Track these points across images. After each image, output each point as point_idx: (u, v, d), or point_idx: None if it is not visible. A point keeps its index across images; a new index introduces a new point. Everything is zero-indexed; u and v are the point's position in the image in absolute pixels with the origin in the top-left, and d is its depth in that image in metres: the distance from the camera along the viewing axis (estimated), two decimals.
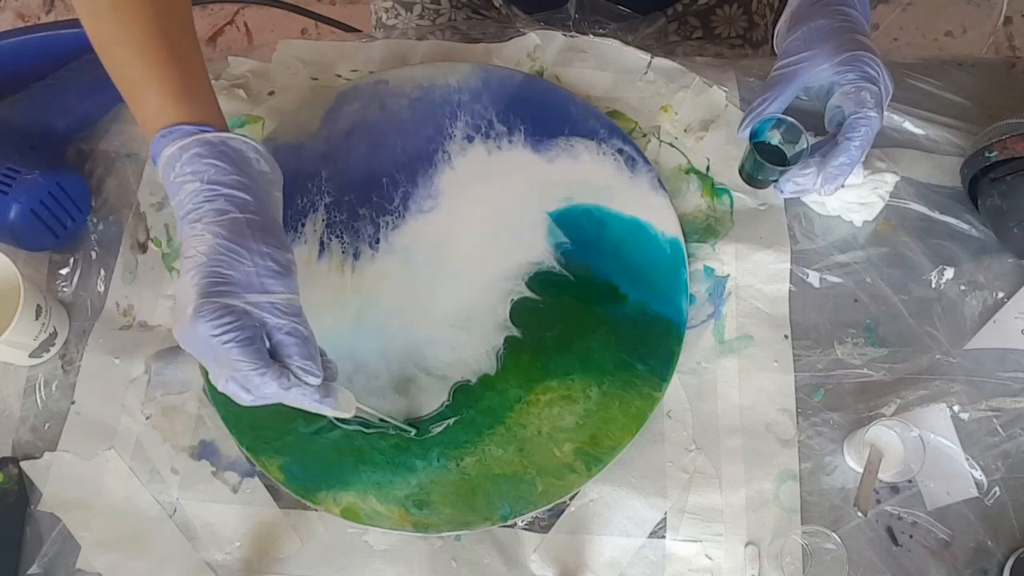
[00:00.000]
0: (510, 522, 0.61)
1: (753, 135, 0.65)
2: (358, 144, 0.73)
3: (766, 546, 0.60)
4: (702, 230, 0.70)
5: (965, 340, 0.66)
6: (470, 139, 0.73)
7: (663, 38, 0.86)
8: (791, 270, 0.68)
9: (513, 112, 0.74)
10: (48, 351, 0.68)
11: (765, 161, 0.64)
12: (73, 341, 0.69)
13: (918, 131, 0.73)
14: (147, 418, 0.66)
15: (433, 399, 0.64)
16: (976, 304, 0.67)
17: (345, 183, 0.72)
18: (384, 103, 0.74)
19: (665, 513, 0.61)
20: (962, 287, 0.67)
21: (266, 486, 0.64)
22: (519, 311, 0.66)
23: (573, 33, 0.78)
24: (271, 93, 0.78)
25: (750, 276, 0.68)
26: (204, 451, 0.65)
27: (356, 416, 0.57)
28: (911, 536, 0.61)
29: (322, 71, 0.78)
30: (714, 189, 0.71)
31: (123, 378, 0.67)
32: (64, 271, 0.72)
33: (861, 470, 0.59)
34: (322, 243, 0.70)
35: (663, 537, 0.61)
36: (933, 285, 0.68)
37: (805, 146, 0.64)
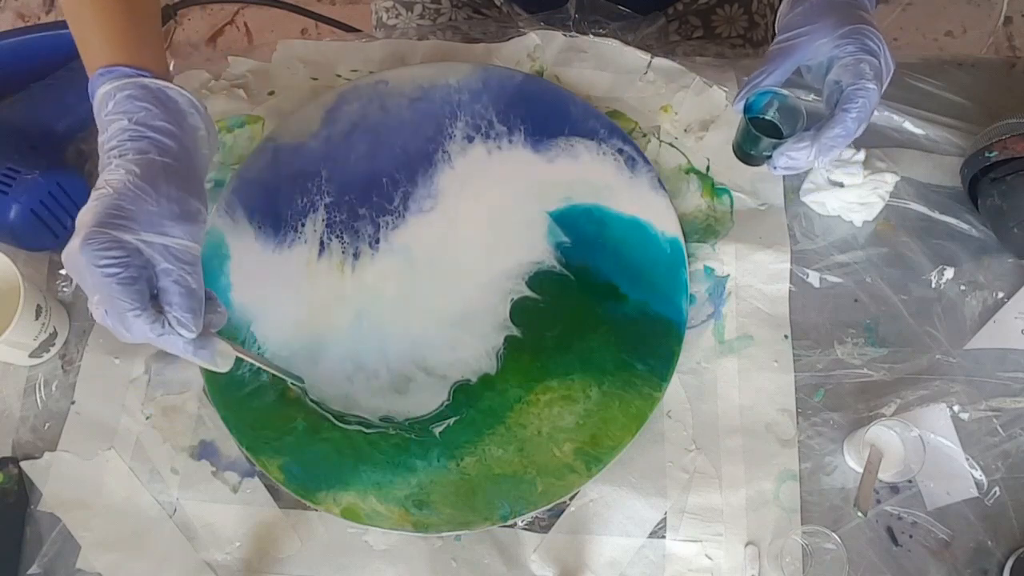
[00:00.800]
0: (510, 522, 0.61)
1: (748, 109, 0.62)
2: (358, 144, 0.73)
3: (766, 546, 0.60)
4: (702, 230, 0.70)
5: (965, 340, 0.66)
6: (470, 139, 0.73)
7: (663, 38, 0.86)
8: (791, 270, 0.68)
9: (513, 112, 0.74)
10: (48, 351, 0.68)
11: (760, 134, 0.61)
12: (73, 341, 0.69)
13: (918, 131, 0.73)
14: (147, 418, 0.66)
15: (433, 399, 0.64)
16: (976, 304, 0.67)
17: (345, 183, 0.72)
18: (384, 103, 0.74)
19: (665, 513, 0.61)
20: (962, 287, 0.67)
21: (266, 486, 0.64)
22: (519, 310, 0.66)
23: (573, 33, 0.78)
24: (271, 93, 0.78)
25: (750, 276, 0.68)
26: (204, 451, 0.65)
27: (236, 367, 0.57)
28: (911, 536, 0.61)
29: (322, 71, 0.78)
30: (714, 189, 0.71)
31: (123, 378, 0.67)
32: (64, 271, 0.72)
33: (861, 470, 0.59)
34: (322, 243, 0.70)
35: (663, 537, 0.61)
36: (933, 285, 0.68)
37: (801, 120, 0.61)
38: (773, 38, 0.66)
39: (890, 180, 0.68)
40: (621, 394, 0.64)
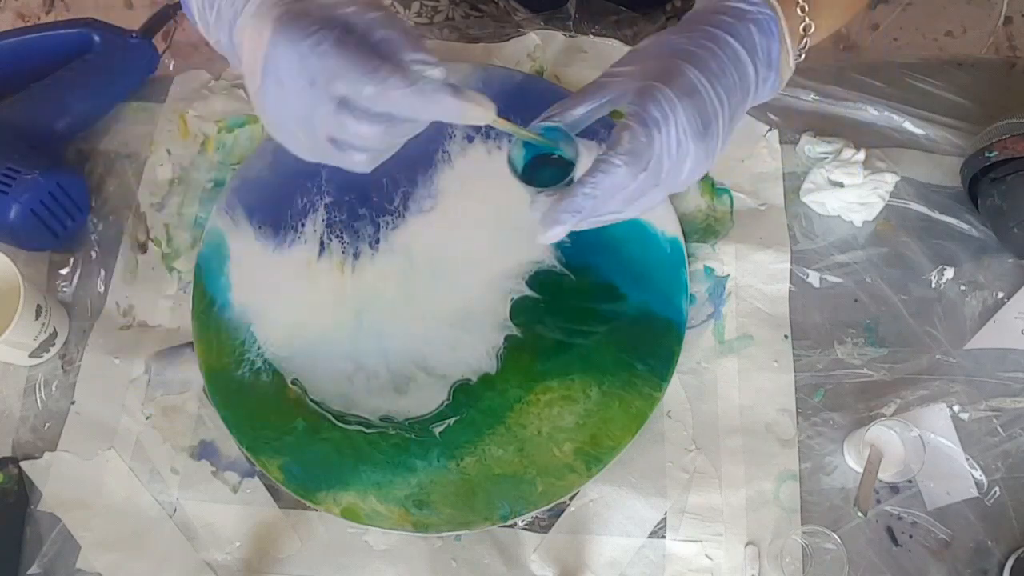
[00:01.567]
0: (510, 522, 0.61)
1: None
2: None
3: (766, 546, 0.60)
4: (702, 230, 0.70)
5: (965, 340, 0.66)
6: (470, 139, 0.73)
7: None
8: (791, 270, 0.68)
9: (513, 112, 0.73)
10: (48, 351, 0.68)
11: (518, 174, 0.50)
12: (73, 341, 0.69)
13: (918, 131, 0.73)
14: (147, 418, 0.66)
15: (433, 398, 0.64)
16: (976, 304, 0.67)
17: (345, 183, 0.72)
18: None
19: (665, 513, 0.61)
20: (962, 287, 0.67)
21: (266, 486, 0.64)
22: (519, 310, 0.66)
23: (573, 33, 0.78)
24: None
25: (750, 276, 0.68)
26: (204, 451, 0.65)
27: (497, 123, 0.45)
28: (911, 536, 0.61)
29: None
30: (714, 189, 0.71)
31: (123, 378, 0.67)
32: (64, 271, 0.72)
33: (861, 470, 0.59)
34: (322, 243, 0.70)
35: (663, 537, 0.61)
36: (933, 285, 0.68)
37: (572, 174, 0.50)
38: None
39: (890, 180, 0.68)
40: (621, 394, 0.64)
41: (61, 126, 0.73)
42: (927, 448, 0.59)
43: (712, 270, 0.68)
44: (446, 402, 0.64)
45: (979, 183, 0.67)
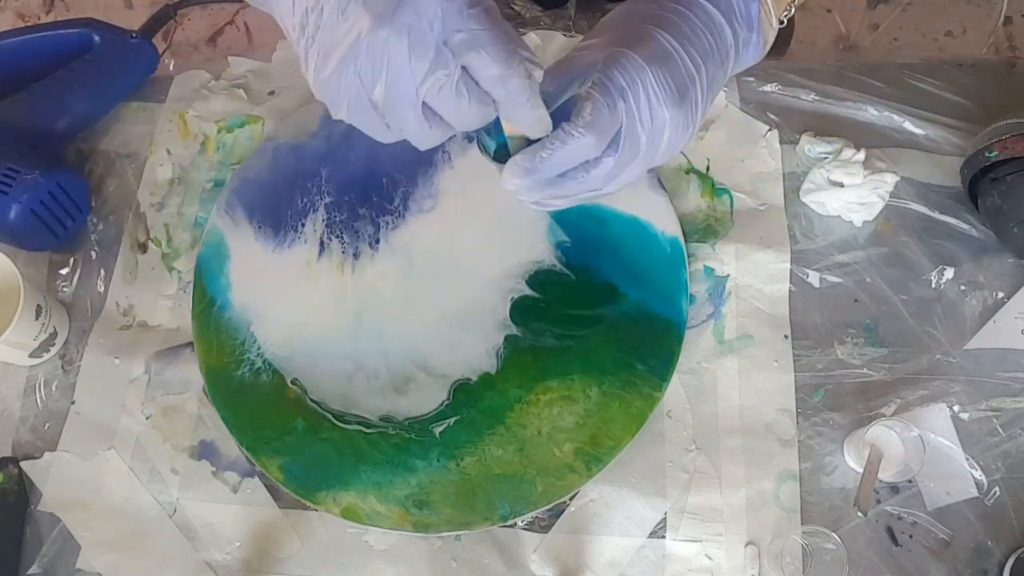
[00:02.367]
0: (510, 522, 0.61)
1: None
2: (358, 144, 0.73)
3: (766, 546, 0.60)
4: (702, 230, 0.70)
5: (965, 340, 0.66)
6: (470, 139, 0.73)
7: None
8: (791, 270, 0.68)
9: None
10: (48, 351, 0.68)
11: (485, 144, 0.50)
12: (73, 341, 0.69)
13: (918, 131, 0.73)
14: (147, 418, 0.66)
15: (433, 398, 0.64)
16: (976, 304, 0.67)
17: (345, 183, 0.72)
18: None
19: (665, 513, 0.61)
20: (962, 287, 0.67)
21: (266, 486, 0.64)
22: (519, 310, 0.66)
23: (573, 33, 0.78)
24: (271, 93, 0.78)
25: (750, 276, 0.68)
26: (204, 451, 0.65)
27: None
28: (911, 536, 0.61)
29: None
30: (714, 189, 0.71)
31: (123, 378, 0.67)
32: (64, 271, 0.72)
33: (861, 470, 0.59)
34: (322, 243, 0.70)
35: (663, 537, 0.61)
36: (933, 285, 0.68)
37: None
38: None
39: (890, 180, 0.68)
40: (621, 394, 0.64)
41: (61, 126, 0.73)
42: (927, 448, 0.59)
43: (712, 270, 0.68)
44: (446, 402, 0.64)
45: (979, 183, 0.67)
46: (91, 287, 0.71)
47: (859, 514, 0.57)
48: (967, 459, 0.62)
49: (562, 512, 0.62)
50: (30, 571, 0.62)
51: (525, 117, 0.43)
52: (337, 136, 0.73)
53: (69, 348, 0.69)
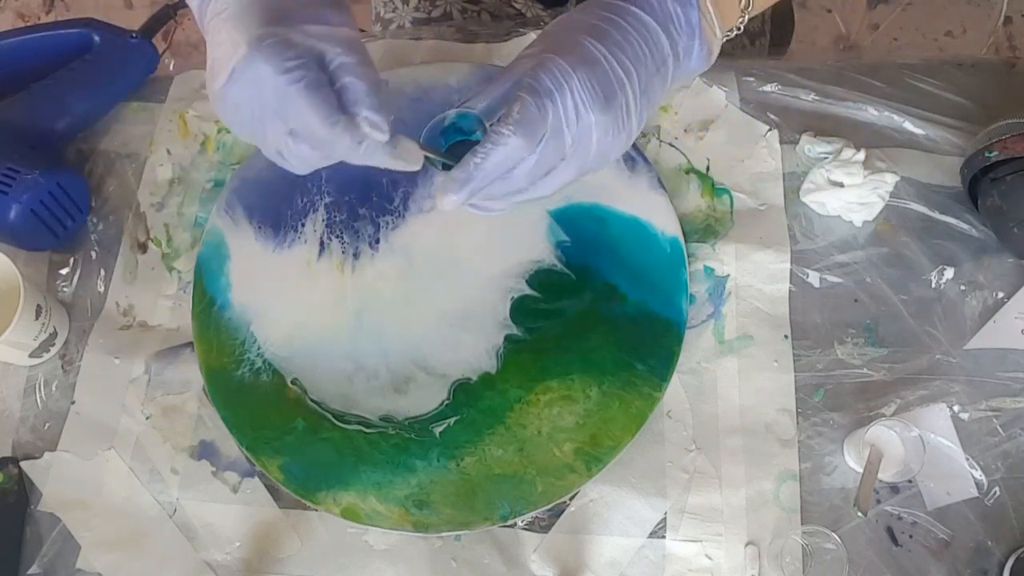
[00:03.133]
0: (510, 522, 0.61)
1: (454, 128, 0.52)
2: None
3: (766, 546, 0.60)
4: (702, 230, 0.70)
5: (965, 340, 0.66)
6: None
7: None
8: (791, 270, 0.68)
9: None
10: (48, 351, 0.68)
11: (435, 152, 0.51)
12: (73, 341, 0.69)
13: (918, 131, 0.73)
14: (147, 418, 0.66)
15: (433, 398, 0.64)
16: (976, 304, 0.67)
17: (345, 183, 0.72)
18: (385, 103, 0.74)
19: (665, 513, 0.61)
20: (962, 287, 0.67)
21: (266, 486, 0.64)
22: (520, 309, 0.66)
23: None
24: None
25: (750, 276, 0.68)
26: (204, 451, 0.65)
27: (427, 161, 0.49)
28: (911, 536, 0.61)
29: None
30: (714, 189, 0.71)
31: (123, 378, 0.67)
32: (64, 271, 0.72)
33: (861, 470, 0.59)
34: (322, 243, 0.70)
35: (663, 537, 0.61)
36: (933, 285, 0.68)
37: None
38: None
39: (890, 180, 0.68)
40: (621, 394, 0.64)
41: (61, 126, 0.73)
42: (927, 448, 0.59)
43: (712, 270, 0.68)
44: (446, 401, 0.64)
45: (979, 183, 0.67)
46: (91, 287, 0.71)
47: (859, 514, 0.57)
48: (967, 459, 0.62)
49: (562, 512, 0.62)
50: (30, 571, 0.62)
51: (380, 163, 0.47)
52: None
53: (69, 348, 0.69)
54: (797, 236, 0.69)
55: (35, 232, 0.68)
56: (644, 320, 0.66)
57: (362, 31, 0.89)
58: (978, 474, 0.61)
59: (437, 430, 0.63)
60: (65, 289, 0.71)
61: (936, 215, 0.70)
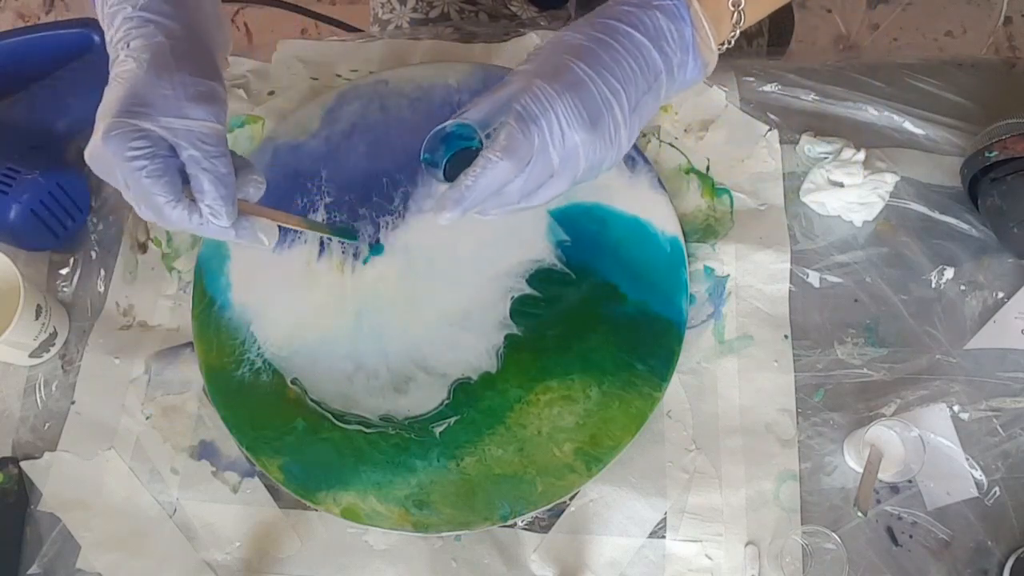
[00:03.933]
0: (510, 522, 0.61)
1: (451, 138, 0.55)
2: (358, 144, 0.73)
3: (766, 546, 0.60)
4: (702, 230, 0.70)
5: (965, 340, 0.66)
6: None
7: None
8: (791, 270, 0.68)
9: None
10: (48, 351, 0.68)
11: (433, 162, 0.55)
12: (73, 341, 0.69)
13: (918, 131, 0.73)
14: (147, 418, 0.66)
15: (433, 397, 0.64)
16: (976, 304, 0.67)
17: (345, 183, 0.72)
18: (384, 103, 0.74)
19: (665, 513, 0.61)
20: (962, 287, 0.67)
21: (266, 486, 0.64)
22: (520, 309, 0.66)
23: None
24: (271, 93, 0.78)
25: (750, 276, 0.68)
26: (204, 451, 0.65)
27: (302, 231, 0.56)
28: (911, 536, 0.61)
29: (322, 71, 0.78)
30: (714, 189, 0.71)
31: (123, 378, 0.67)
32: (64, 271, 0.72)
33: (861, 470, 0.59)
34: (322, 243, 0.70)
35: (663, 537, 0.61)
36: (933, 285, 0.68)
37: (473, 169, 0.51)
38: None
39: (890, 180, 0.68)
40: (621, 394, 0.64)
41: (61, 126, 0.73)
42: (927, 448, 0.59)
43: (712, 270, 0.68)
44: (446, 401, 0.64)
45: (979, 183, 0.67)
46: (91, 287, 0.71)
47: (859, 514, 0.57)
48: (967, 459, 0.62)
49: (562, 512, 0.62)
50: (30, 571, 0.62)
51: (228, 240, 0.53)
52: (337, 136, 0.73)
53: (69, 348, 0.69)
54: (797, 236, 0.69)
55: (35, 232, 0.68)
56: (644, 320, 0.66)
57: (360, 31, 0.90)
58: (978, 474, 0.61)
59: (437, 430, 0.63)
60: (65, 289, 0.71)
61: (936, 215, 0.70)
